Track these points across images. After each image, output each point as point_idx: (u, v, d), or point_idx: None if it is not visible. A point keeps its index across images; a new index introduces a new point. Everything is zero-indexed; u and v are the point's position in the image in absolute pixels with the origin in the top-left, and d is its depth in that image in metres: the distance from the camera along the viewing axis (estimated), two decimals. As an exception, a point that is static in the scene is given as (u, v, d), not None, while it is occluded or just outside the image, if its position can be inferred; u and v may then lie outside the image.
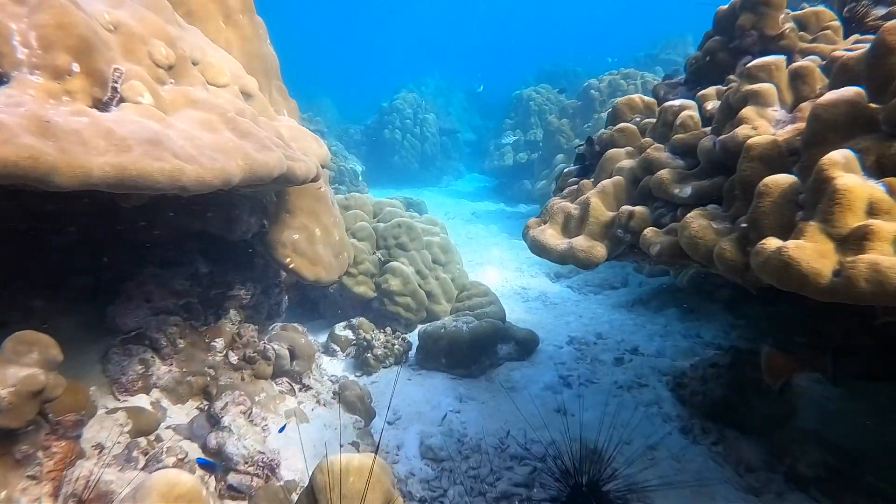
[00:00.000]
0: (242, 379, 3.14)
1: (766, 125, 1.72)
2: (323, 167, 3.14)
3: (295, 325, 3.91)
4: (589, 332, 5.20)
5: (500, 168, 13.36)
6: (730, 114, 1.90)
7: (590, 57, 21.92)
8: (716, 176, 1.84)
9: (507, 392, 3.96)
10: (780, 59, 1.92)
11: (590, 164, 2.89)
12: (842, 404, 3.02)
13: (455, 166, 17.49)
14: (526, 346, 4.42)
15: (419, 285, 4.86)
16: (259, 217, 3.51)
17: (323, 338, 4.81)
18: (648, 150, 2.21)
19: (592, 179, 2.53)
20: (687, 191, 1.89)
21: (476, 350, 4.04)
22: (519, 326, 4.62)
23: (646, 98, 2.93)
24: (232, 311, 3.49)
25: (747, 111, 1.78)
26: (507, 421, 3.62)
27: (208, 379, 3.00)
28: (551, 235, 2.31)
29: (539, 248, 2.33)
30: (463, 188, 15.90)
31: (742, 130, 1.72)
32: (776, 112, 1.79)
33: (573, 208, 2.34)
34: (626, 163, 2.33)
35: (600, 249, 2.15)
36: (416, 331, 4.96)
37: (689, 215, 1.73)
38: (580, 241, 2.15)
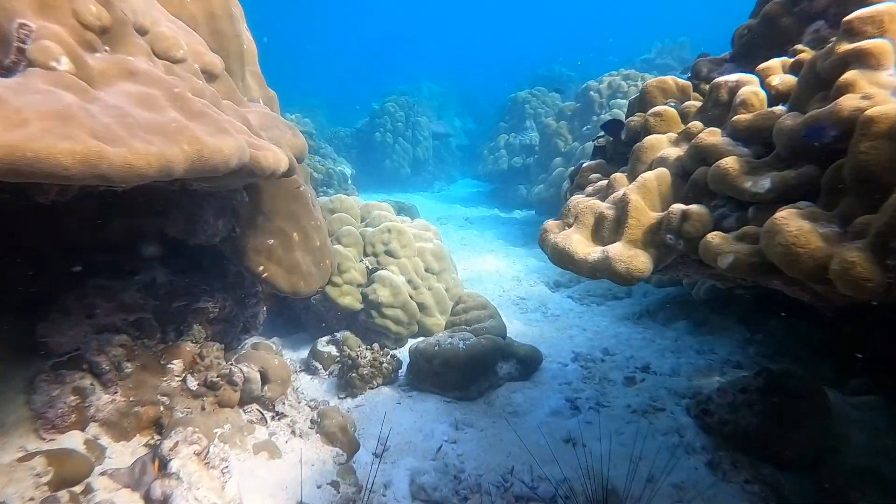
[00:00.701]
0: (203, 408, 2.68)
1: (882, 94, 1.30)
2: (299, 161, 2.70)
3: (269, 342, 3.46)
4: (595, 348, 4.78)
5: (495, 173, 12.97)
6: (818, 84, 1.49)
7: (583, 62, 21.65)
8: (801, 165, 1.43)
9: (510, 418, 3.53)
10: (893, 6, 1.48)
11: (612, 157, 2.47)
12: (898, 438, 2.61)
13: (448, 171, 17.09)
14: (528, 364, 3.99)
15: (410, 296, 4.43)
16: (228, 220, 3.06)
17: (305, 353, 4.36)
18: (701, 136, 1.78)
19: (626, 174, 2.10)
20: (764, 184, 1.47)
21: (474, 370, 3.61)
22: (519, 342, 4.20)
23: (679, 80, 2.53)
24: (196, 327, 3.03)
25: (852, 76, 1.37)
26: (511, 453, 3.18)
27: (161, 409, 2.54)
28: (579, 242, 1.88)
29: (564, 259, 1.90)
30: (456, 193, 15.50)
31: (848, 102, 1.31)
32: (892, 77, 1.38)
33: (605, 208, 1.91)
34: (671, 152, 1.91)
35: (643, 260, 1.72)
36: (407, 345, 4.53)
37: (779, 215, 1.30)
38: (618, 250, 1.71)
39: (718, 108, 1.92)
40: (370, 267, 4.46)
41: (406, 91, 17.09)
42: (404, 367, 4.01)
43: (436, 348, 3.61)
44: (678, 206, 1.67)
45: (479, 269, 7.32)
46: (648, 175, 1.85)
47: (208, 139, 1.76)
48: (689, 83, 2.52)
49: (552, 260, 2.07)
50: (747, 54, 2.32)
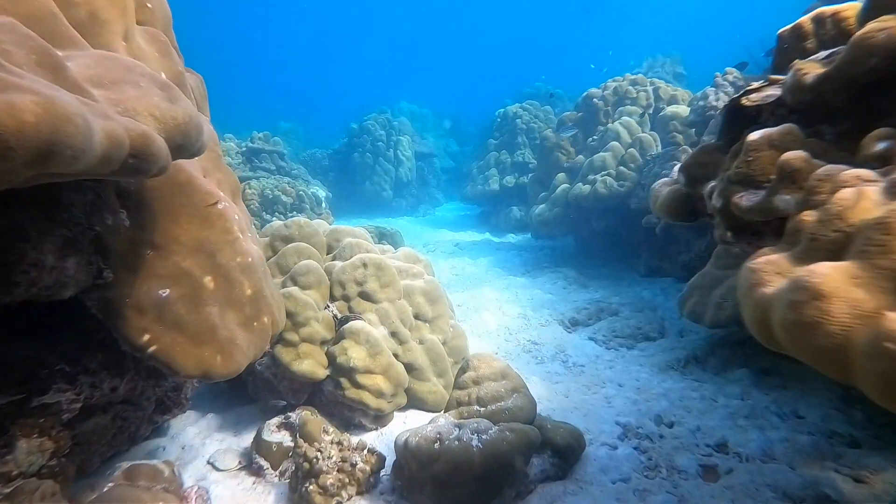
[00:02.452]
0: None
1: None
2: (188, 149, 1.49)
3: (157, 464, 2.20)
4: (644, 414, 3.58)
5: (485, 194, 11.87)
6: None
7: (567, 80, 20.87)
8: None
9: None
10: None
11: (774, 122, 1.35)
12: None
13: (432, 194, 15.98)
14: (567, 454, 2.76)
15: (395, 355, 3.20)
16: (88, 258, 1.83)
17: (249, 439, 3.10)
18: None
19: None
20: None
21: (495, 479, 2.37)
22: (553, 421, 2.97)
23: None
24: (22, 444, 1.77)
25: None
26: None
27: None
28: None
29: (824, 345, 0.75)
30: (443, 217, 14.36)
31: None
32: None
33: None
34: None
35: None
36: (391, 423, 3.28)
37: None
38: None
39: None
40: (339, 316, 3.22)
41: (387, 108, 16.04)
42: (388, 465, 2.76)
43: (436, 446, 2.38)
44: None
45: (476, 305, 6.11)
46: None
47: None
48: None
49: (783, 341, 0.93)
50: None
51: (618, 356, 4.73)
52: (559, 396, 3.87)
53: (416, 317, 3.48)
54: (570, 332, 5.37)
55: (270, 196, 8.54)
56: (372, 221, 13.77)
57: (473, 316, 5.73)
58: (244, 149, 10.55)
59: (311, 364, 2.99)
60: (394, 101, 21.93)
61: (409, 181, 14.49)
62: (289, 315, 2.97)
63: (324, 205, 9.06)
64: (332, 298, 3.30)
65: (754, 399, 3.76)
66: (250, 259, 2.19)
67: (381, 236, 8.46)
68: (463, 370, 3.18)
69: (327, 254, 3.65)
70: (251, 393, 3.42)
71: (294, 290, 3.10)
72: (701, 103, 5.80)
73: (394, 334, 3.27)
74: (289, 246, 3.39)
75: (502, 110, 12.67)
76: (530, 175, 10.78)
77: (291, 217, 8.61)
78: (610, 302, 5.96)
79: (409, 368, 3.26)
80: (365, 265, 3.32)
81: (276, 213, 8.55)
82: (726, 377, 4.19)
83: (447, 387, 3.42)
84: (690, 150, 5.75)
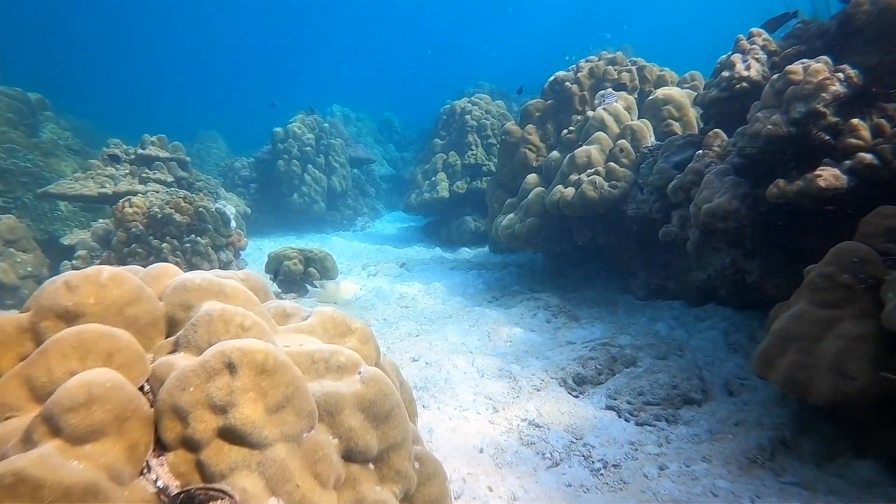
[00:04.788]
0: None
1: None
2: None
3: None
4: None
5: (433, 203, 10.21)
6: None
7: (513, 80, 19.62)
8: None
9: None
10: None
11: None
12: None
13: (372, 204, 14.19)
14: None
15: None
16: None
17: None
18: None
19: None
20: None
21: None
22: None
23: None
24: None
25: None
26: None
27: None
28: None
29: None
30: (384, 230, 12.59)
31: None
32: None
33: None
34: None
35: None
36: None
37: None
38: None
39: None
40: (173, 492, 1.44)
41: (315, 110, 14.11)
42: None
43: None
44: None
45: (438, 359, 4.38)
46: None
47: None
48: None
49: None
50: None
51: (663, 441, 3.15)
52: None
53: (349, 457, 1.74)
54: (578, 398, 3.75)
55: (159, 216, 6.53)
56: (302, 239, 11.81)
57: (436, 377, 4.02)
58: (132, 156, 8.42)
59: None
60: (325, 105, 20.01)
61: (344, 191, 12.63)
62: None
63: (233, 224, 7.10)
64: (161, 446, 1.51)
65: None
66: None
67: (308, 261, 6.62)
68: None
69: (167, 336, 1.84)
70: None
71: (47, 452, 1.29)
72: (725, 74, 4.36)
73: (298, 510, 1.51)
74: (64, 334, 1.57)
75: (448, 105, 11.07)
76: (487, 179, 9.23)
77: (187, 243, 6.63)
78: (619, 344, 4.40)
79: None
80: (233, 368, 1.55)
81: (168, 239, 6.54)
82: (845, 475, 2.69)
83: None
84: (721, 132, 4.29)
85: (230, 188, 12.27)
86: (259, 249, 10.02)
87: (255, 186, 12.89)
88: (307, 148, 12.16)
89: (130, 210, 6.58)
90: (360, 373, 1.93)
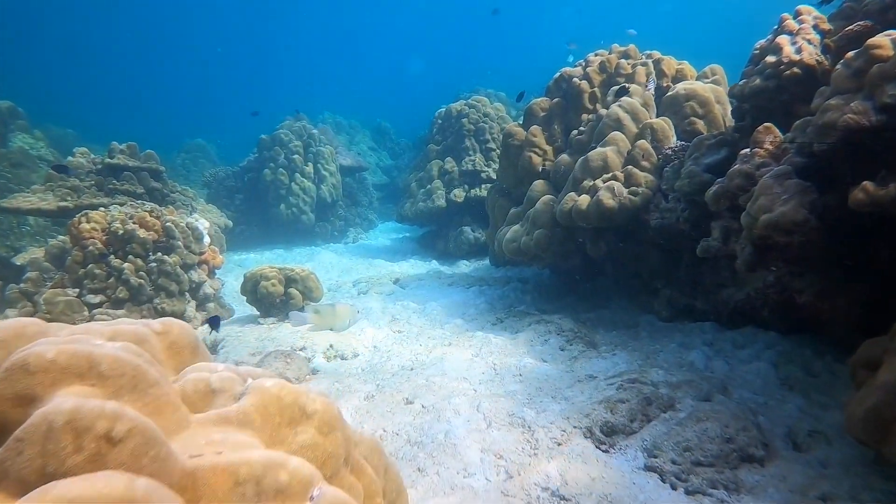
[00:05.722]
0: None
1: None
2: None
3: None
4: None
5: (428, 212, 9.52)
6: None
7: (511, 86, 19.03)
8: None
9: None
10: None
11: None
12: None
13: (364, 214, 13.49)
14: None
15: None
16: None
17: None
18: None
19: None
20: None
21: None
22: None
23: None
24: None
25: None
26: None
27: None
28: None
29: None
30: (377, 242, 11.88)
31: None
32: None
33: None
34: None
35: None
36: None
37: None
38: None
39: None
40: None
41: (304, 116, 13.43)
42: None
43: None
44: None
45: (435, 403, 3.66)
46: None
47: None
48: None
49: None
50: None
51: (727, 522, 2.43)
52: None
53: None
54: (609, 453, 3.03)
55: (121, 232, 5.81)
56: (290, 252, 11.08)
57: (435, 429, 3.29)
58: (99, 166, 7.70)
59: None
60: (316, 112, 19.34)
61: (334, 201, 11.93)
62: None
63: (206, 239, 6.38)
64: None
65: None
66: None
67: (289, 282, 5.90)
68: None
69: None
70: None
71: None
72: (770, 59, 3.69)
73: None
74: None
75: (443, 109, 10.40)
76: (487, 186, 8.56)
77: (153, 262, 5.91)
78: (651, 381, 3.69)
79: None
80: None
81: (131, 258, 5.82)
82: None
83: None
84: (773, 127, 3.61)
85: (215, 199, 11.56)
86: (240, 266, 9.29)
87: (240, 197, 12.19)
88: (294, 156, 11.47)
89: (88, 226, 5.85)
90: (311, 498, 1.21)
